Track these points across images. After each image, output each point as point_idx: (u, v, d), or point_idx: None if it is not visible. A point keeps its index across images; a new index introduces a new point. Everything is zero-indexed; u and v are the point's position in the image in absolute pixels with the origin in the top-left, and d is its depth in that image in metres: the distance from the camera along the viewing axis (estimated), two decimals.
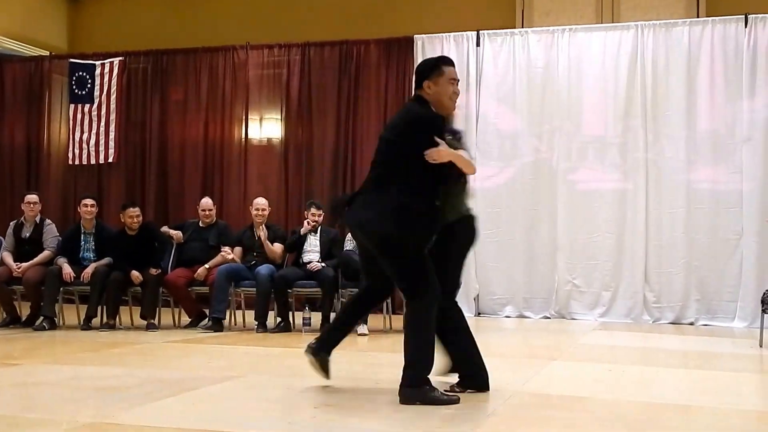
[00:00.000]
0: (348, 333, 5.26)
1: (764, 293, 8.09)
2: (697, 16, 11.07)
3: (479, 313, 11.24)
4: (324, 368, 5.04)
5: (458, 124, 11.13)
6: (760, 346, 8.00)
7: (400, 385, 4.58)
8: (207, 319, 8.95)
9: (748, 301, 10.02)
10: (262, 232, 9.09)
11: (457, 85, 4.92)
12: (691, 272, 10.48)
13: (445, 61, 4.93)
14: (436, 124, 4.75)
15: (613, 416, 4.41)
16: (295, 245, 9.20)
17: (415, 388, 4.55)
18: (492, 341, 8.72)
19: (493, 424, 4.28)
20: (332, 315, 8.79)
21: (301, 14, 12.64)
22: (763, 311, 8.10)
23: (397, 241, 4.61)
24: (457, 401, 4.61)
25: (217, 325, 8.76)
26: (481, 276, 11.22)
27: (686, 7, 11.22)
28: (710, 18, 10.87)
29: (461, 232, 5.07)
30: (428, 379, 4.60)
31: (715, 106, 10.56)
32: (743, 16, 10.57)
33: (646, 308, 10.64)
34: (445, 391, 4.73)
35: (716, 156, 10.56)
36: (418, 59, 11.55)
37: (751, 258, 10.19)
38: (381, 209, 4.66)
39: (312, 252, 9.09)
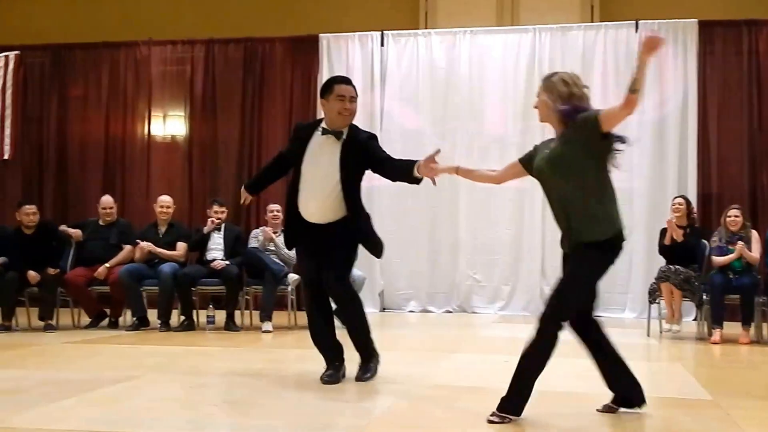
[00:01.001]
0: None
1: (651, 285, 8.48)
2: (591, 21, 11.45)
3: (384, 308, 11.40)
4: None
5: (368, 122, 11.36)
6: (648, 336, 8.38)
7: None
8: (134, 319, 8.84)
9: (637, 293, 10.44)
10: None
11: (350, 102, 5.22)
12: None
13: (338, 80, 5.35)
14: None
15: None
16: (199, 243, 9.17)
17: None
18: (397, 335, 8.88)
19: (392, 415, 4.38)
20: (236, 313, 8.83)
21: (205, 11, 12.56)
22: (650, 302, 8.48)
23: None
24: None
25: (144, 323, 8.77)
26: (385, 272, 11.37)
27: (581, 12, 11.58)
28: (603, 23, 11.27)
29: None
30: None
31: (607, 107, 10.90)
32: (634, 21, 11.00)
33: (543, 301, 10.92)
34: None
35: None
36: (324, 58, 11.69)
37: (640, 252, 10.59)
38: None
39: (216, 250, 9.07)
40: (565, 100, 4.20)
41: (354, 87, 5.33)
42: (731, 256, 8.15)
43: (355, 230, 5.31)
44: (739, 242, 8.17)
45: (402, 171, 5.12)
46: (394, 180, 5.42)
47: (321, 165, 5.19)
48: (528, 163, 4.46)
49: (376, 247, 5.55)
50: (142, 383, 5.31)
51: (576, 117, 4.13)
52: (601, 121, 4.07)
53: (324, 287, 5.32)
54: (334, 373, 5.30)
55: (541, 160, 4.28)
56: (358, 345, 5.47)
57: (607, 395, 4.43)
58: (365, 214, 5.41)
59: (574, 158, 4.13)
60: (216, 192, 11.41)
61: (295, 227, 5.31)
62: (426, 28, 11.86)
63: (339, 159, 5.17)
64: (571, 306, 4.22)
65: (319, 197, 5.19)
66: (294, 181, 5.28)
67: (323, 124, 5.29)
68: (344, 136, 5.24)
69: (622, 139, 4.19)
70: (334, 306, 5.50)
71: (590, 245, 4.11)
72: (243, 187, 5.81)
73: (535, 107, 4.41)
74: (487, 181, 5.10)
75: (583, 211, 4.13)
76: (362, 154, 5.23)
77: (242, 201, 5.82)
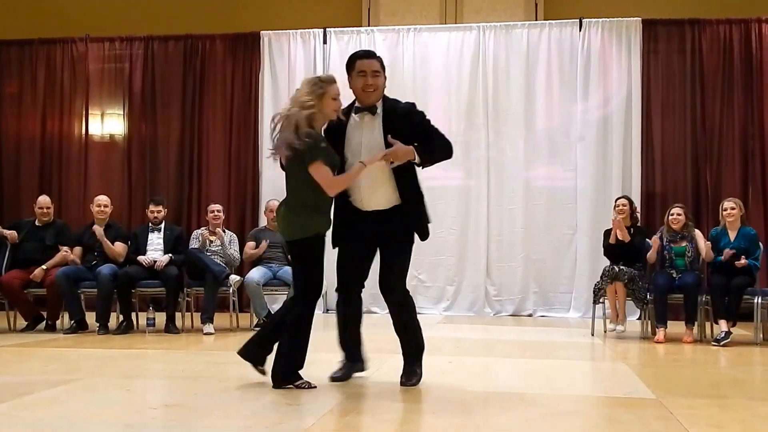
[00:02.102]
0: None
1: (595, 285, 8.49)
2: (536, 20, 11.47)
3: (327, 310, 11.26)
4: None
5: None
6: (592, 335, 8.41)
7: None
8: (71, 322, 8.60)
9: (582, 293, 10.48)
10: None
11: (372, 76, 4.94)
12: (530, 266, 10.88)
13: (359, 54, 5.08)
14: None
15: (452, 404, 4.51)
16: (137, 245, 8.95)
17: None
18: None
19: (335, 415, 4.33)
20: (177, 315, 8.65)
21: (143, 7, 12.33)
22: (594, 302, 8.50)
23: None
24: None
25: (82, 325, 8.56)
26: (329, 272, 11.20)
27: (525, 11, 11.61)
28: (547, 21, 11.31)
29: None
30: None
31: (551, 106, 10.98)
32: (578, 20, 11.05)
33: (488, 301, 10.98)
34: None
35: (552, 155, 10.99)
36: (265, 56, 11.55)
37: (585, 252, 10.65)
38: None
39: (156, 250, 8.86)
40: None
41: (379, 60, 5.06)
42: (653, 249, 8.26)
43: (412, 217, 5.01)
44: (683, 242, 8.25)
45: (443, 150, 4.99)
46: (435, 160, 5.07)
47: (363, 145, 4.92)
48: None
49: (425, 232, 5.14)
50: (79, 387, 5.19)
51: None
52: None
53: (382, 289, 5.19)
54: (344, 371, 5.33)
55: None
56: (408, 349, 5.34)
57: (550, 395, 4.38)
58: (419, 195, 5.07)
59: None
60: (156, 191, 11.20)
61: (348, 220, 5.05)
62: (369, 26, 11.77)
63: (382, 135, 4.88)
64: None
65: (377, 180, 4.89)
66: (340, 170, 4.94)
67: (356, 104, 5.05)
68: (379, 110, 4.97)
69: None
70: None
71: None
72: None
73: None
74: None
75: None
76: (406, 125, 4.93)
77: None
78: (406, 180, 4.94)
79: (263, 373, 5.10)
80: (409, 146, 4.81)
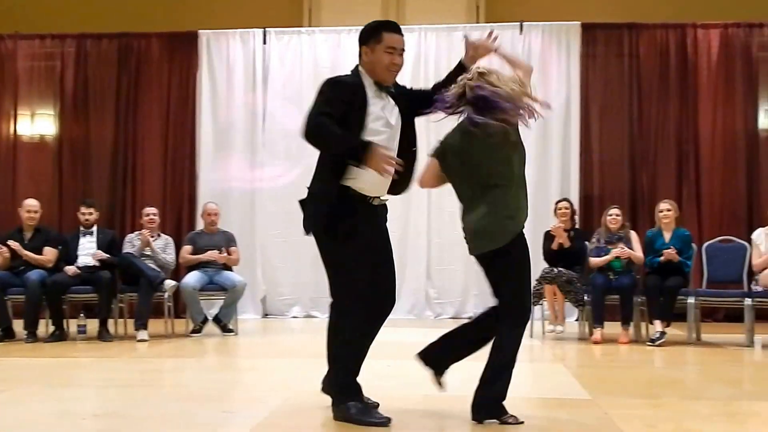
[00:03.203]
0: None
1: (534, 287, 8.49)
2: (477, 22, 11.48)
3: (266, 315, 11.15)
4: None
5: (250, 122, 11.11)
6: (531, 337, 8.43)
7: None
8: None
9: None
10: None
11: (400, 55, 4.35)
12: (470, 268, 10.81)
13: (388, 27, 4.39)
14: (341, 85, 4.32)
15: (390, 408, 4.46)
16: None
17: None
18: (279, 342, 8.72)
19: (272, 423, 4.27)
20: (110, 321, 8.45)
21: (76, 3, 12.02)
22: (533, 304, 8.51)
23: None
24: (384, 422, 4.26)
25: (9, 334, 8.29)
26: (267, 277, 11.14)
27: (466, 13, 11.60)
28: (488, 24, 11.30)
29: None
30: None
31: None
32: (519, 23, 11.09)
33: (429, 304, 10.97)
34: None
35: None
36: (203, 55, 11.38)
37: None
38: None
39: (88, 255, 8.63)
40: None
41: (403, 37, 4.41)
42: (607, 257, 8.33)
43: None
44: (620, 244, 8.31)
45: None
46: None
47: (393, 127, 4.36)
48: None
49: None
50: (7, 398, 5.06)
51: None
52: None
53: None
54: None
55: None
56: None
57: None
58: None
59: None
60: (88, 194, 10.92)
61: (362, 213, 4.35)
62: (310, 26, 11.67)
63: (402, 117, 4.40)
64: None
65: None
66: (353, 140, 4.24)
67: (371, 79, 4.35)
68: (392, 90, 4.43)
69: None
70: None
71: None
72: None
73: None
74: None
75: None
76: (410, 104, 4.49)
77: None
78: None
79: (440, 385, 4.54)
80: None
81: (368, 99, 4.29)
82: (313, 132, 4.21)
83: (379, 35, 4.33)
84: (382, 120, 4.31)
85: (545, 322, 8.62)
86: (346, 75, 4.43)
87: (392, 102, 4.39)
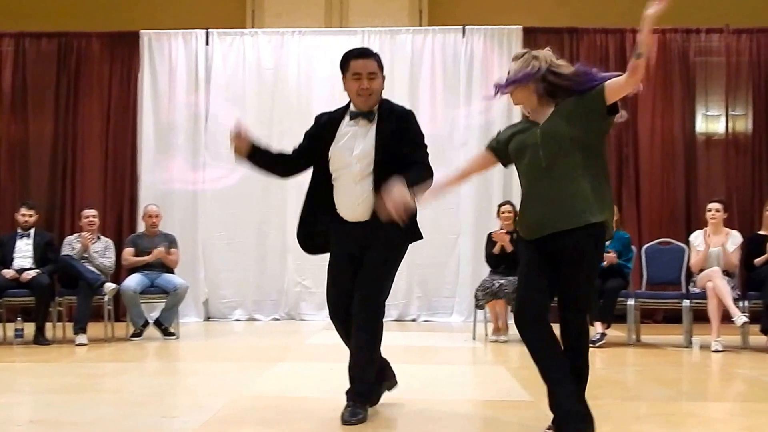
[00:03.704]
0: None
1: (476, 290, 8.56)
2: (420, 25, 11.54)
3: (208, 318, 11.06)
4: None
5: (192, 123, 11.00)
6: (474, 339, 8.49)
7: None
8: None
9: (465, 297, 10.57)
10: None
11: (368, 78, 4.37)
12: (414, 271, 10.90)
13: (353, 53, 4.47)
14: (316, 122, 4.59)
15: (328, 414, 4.44)
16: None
17: None
18: (221, 345, 8.64)
19: (210, 428, 4.20)
20: (48, 325, 8.30)
21: (14, 2, 11.84)
22: (476, 307, 8.57)
23: None
24: None
25: None
26: (210, 279, 11.05)
27: (410, 16, 11.67)
28: (431, 27, 11.39)
29: None
30: None
31: (435, 111, 11.05)
32: (461, 27, 11.16)
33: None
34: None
35: (437, 159, 10.88)
36: (145, 56, 11.28)
37: (468, 255, 10.76)
38: None
39: (24, 257, 8.48)
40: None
41: (375, 58, 4.46)
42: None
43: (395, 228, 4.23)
44: None
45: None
46: None
47: (354, 155, 4.38)
48: (499, 149, 4.10)
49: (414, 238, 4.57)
50: None
51: (583, 88, 3.81)
52: (607, 94, 3.78)
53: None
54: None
55: (532, 137, 3.87)
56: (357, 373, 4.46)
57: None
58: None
59: (577, 134, 3.79)
60: (27, 194, 10.75)
61: (332, 229, 4.49)
62: (253, 27, 11.61)
63: (374, 144, 4.38)
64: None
65: (356, 191, 4.36)
66: (323, 176, 4.48)
67: (351, 107, 4.49)
68: (376, 117, 4.45)
69: (621, 114, 3.89)
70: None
71: (597, 225, 3.76)
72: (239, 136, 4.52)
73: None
74: (461, 180, 4.52)
75: (591, 190, 3.75)
76: (401, 135, 4.44)
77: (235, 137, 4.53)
78: None
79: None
80: (400, 188, 4.06)
81: (339, 129, 4.45)
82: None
83: (347, 63, 4.43)
84: (348, 150, 4.41)
85: (487, 323, 8.63)
86: (339, 107, 4.57)
87: (372, 129, 4.42)
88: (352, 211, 4.42)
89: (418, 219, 4.47)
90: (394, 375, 4.74)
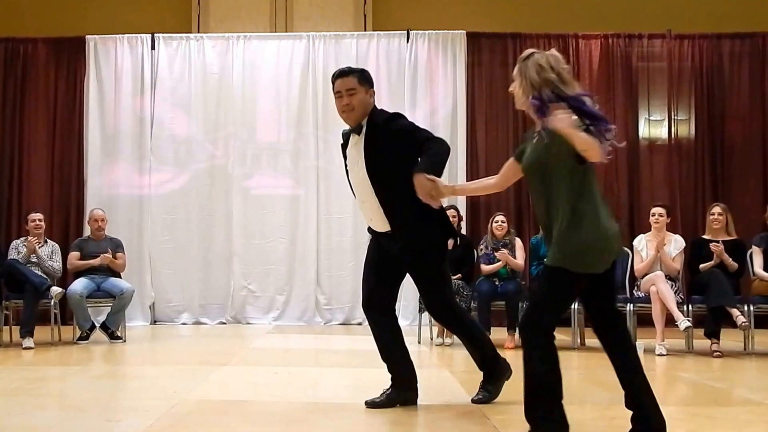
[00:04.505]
0: None
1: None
2: (364, 30, 11.63)
3: (155, 321, 11.03)
4: None
5: (138, 127, 10.95)
6: (419, 343, 8.57)
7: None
8: None
9: (410, 300, 10.58)
10: None
11: (348, 95, 4.66)
12: (359, 274, 10.89)
13: (336, 74, 4.76)
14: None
15: (271, 418, 4.51)
16: None
17: None
18: (167, 349, 8.63)
19: (153, 430, 4.22)
20: None
21: None
22: (420, 311, 8.64)
23: None
24: None
25: None
26: (156, 283, 11.02)
27: (354, 21, 11.75)
28: (376, 32, 11.48)
29: None
30: None
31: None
32: (405, 31, 11.27)
33: (318, 310, 11.02)
34: None
35: None
36: (91, 60, 11.23)
37: None
38: None
39: None
40: (537, 88, 3.71)
41: (356, 74, 4.70)
42: (497, 264, 8.48)
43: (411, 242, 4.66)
44: (503, 249, 8.51)
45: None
46: None
47: (355, 167, 4.72)
48: (520, 160, 4.03)
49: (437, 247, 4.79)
50: None
51: (545, 114, 3.64)
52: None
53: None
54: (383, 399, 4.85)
55: (525, 158, 3.92)
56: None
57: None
58: (416, 217, 4.59)
59: (552, 160, 3.72)
60: None
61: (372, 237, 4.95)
62: (198, 32, 11.61)
63: (363, 157, 4.63)
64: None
65: (367, 203, 4.70)
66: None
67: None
68: (364, 129, 4.69)
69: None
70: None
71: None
72: None
73: (511, 91, 3.94)
74: (490, 191, 4.70)
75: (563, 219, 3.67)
76: (386, 137, 4.61)
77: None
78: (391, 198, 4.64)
79: None
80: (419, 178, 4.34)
81: (348, 144, 4.79)
82: None
83: (333, 85, 4.76)
84: (350, 159, 4.77)
85: (433, 327, 8.71)
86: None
87: (361, 142, 4.68)
88: (371, 223, 4.80)
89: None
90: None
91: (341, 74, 4.72)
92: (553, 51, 3.84)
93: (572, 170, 3.68)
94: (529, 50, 3.88)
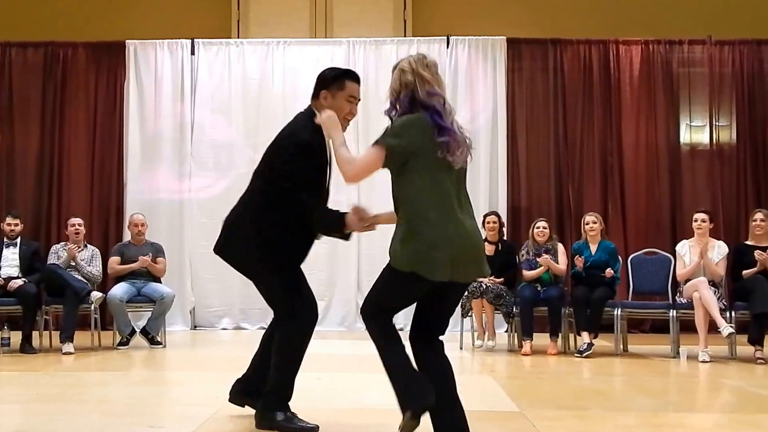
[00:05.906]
0: None
1: (462, 299, 8.57)
2: (404, 36, 11.58)
3: (195, 326, 11.04)
4: None
5: (178, 132, 10.99)
6: (461, 348, 8.50)
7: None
8: None
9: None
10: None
11: (357, 105, 4.46)
12: None
13: (350, 76, 4.44)
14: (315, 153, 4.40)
15: (317, 421, 4.47)
16: None
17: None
18: (207, 354, 8.63)
19: None
20: (34, 334, 8.27)
21: (0, 11, 11.80)
22: (463, 316, 8.59)
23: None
24: (313, 429, 4.35)
25: None
26: (196, 288, 11.03)
27: (394, 27, 11.71)
28: (416, 38, 11.43)
29: None
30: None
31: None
32: (445, 37, 11.21)
33: (359, 316, 10.92)
34: None
35: None
36: (131, 65, 11.25)
37: None
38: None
39: (11, 266, 8.46)
40: (396, 93, 3.78)
41: None
42: (539, 270, 8.40)
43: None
44: (544, 254, 8.43)
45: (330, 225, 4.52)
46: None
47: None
48: None
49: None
50: None
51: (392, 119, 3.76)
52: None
53: None
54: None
55: None
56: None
57: None
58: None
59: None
60: (13, 204, 10.70)
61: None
62: (239, 38, 11.63)
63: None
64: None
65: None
66: (323, 193, 4.65)
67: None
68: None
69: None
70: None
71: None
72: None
73: None
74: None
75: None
76: None
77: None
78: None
79: None
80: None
81: (328, 154, 4.46)
82: (315, 223, 4.60)
83: (342, 83, 4.38)
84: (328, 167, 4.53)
85: (474, 333, 8.66)
86: (309, 131, 4.39)
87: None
88: None
89: None
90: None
91: (358, 80, 4.50)
92: (423, 53, 3.87)
93: (397, 173, 3.82)
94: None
